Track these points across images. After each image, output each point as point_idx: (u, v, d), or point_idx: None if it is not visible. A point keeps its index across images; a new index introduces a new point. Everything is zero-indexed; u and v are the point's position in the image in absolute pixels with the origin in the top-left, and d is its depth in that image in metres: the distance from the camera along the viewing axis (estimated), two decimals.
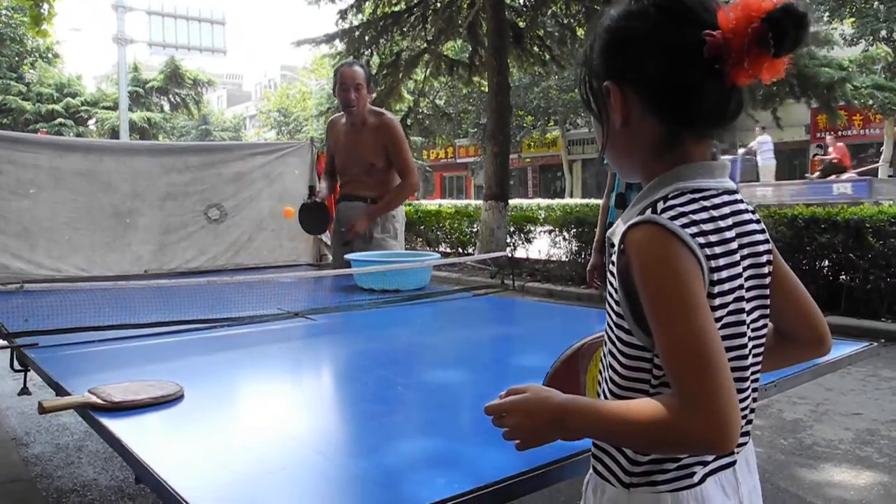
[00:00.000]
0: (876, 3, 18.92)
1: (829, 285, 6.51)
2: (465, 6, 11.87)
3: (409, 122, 12.76)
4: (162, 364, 2.15)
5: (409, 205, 12.63)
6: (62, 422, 4.01)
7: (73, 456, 3.53)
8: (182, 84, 32.68)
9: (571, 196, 30.42)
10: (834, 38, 10.57)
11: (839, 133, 23.32)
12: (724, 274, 0.94)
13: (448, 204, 16.56)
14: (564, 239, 9.05)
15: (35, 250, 3.97)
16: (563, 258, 9.09)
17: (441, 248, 11.79)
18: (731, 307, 0.96)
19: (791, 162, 27.49)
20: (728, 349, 0.94)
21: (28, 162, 4.00)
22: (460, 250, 11.38)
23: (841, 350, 2.11)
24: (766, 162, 15.44)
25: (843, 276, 6.48)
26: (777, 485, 3.08)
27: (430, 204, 16.62)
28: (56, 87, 30.94)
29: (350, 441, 1.53)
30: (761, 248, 1.04)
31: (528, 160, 35.57)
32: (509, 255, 7.47)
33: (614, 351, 1.01)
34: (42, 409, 1.53)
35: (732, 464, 1.03)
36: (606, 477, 1.04)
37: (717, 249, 0.94)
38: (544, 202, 19.26)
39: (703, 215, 0.95)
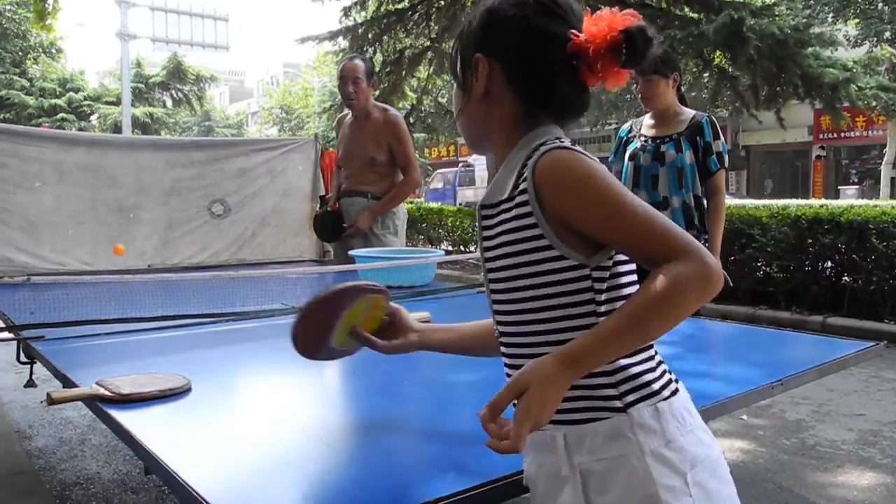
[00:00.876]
0: (880, 4, 18.88)
1: (832, 286, 6.50)
2: (469, 4, 11.86)
3: (412, 119, 12.76)
4: (168, 357, 2.15)
5: (411, 202, 12.63)
6: (65, 416, 4.02)
7: (77, 449, 3.54)
8: (184, 80, 32.62)
9: None
10: (838, 39, 10.52)
11: (842, 134, 23.30)
12: None
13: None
14: None
15: (39, 244, 3.98)
16: None
17: (443, 246, 11.79)
18: None
19: (793, 163, 27.45)
20: None
21: (32, 156, 4.00)
22: (462, 248, 11.38)
23: (845, 349, 2.11)
24: (482, 172, 20.51)
25: (846, 278, 6.47)
26: (780, 484, 3.09)
27: (432, 202, 16.60)
28: (59, 82, 30.89)
29: (358, 434, 1.53)
30: None
31: None
32: None
33: (544, 300, 1.04)
34: (51, 400, 1.54)
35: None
36: (593, 416, 1.04)
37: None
38: None
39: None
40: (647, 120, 3.51)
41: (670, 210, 3.31)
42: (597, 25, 1.06)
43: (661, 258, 0.98)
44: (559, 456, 1.05)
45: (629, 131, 3.57)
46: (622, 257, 1.06)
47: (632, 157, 3.44)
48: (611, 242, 1.03)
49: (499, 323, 1.14)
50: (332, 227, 4.25)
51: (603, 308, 1.04)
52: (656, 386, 1.06)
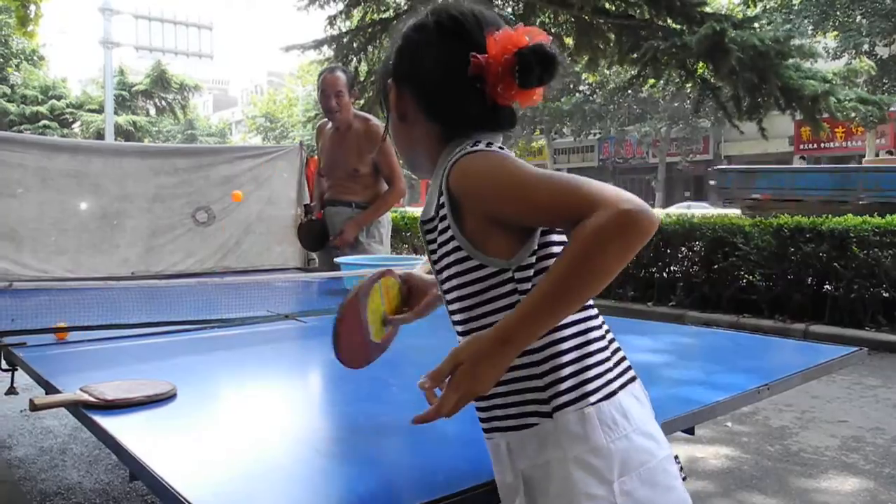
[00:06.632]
0: (858, 17, 19.17)
1: (814, 294, 6.56)
2: None
3: None
4: (153, 363, 2.13)
5: (395, 211, 12.61)
6: (46, 425, 3.97)
7: (58, 459, 3.49)
8: (168, 88, 32.49)
9: None
10: (818, 51, 10.65)
11: (822, 145, 23.54)
12: None
13: None
14: None
15: (21, 251, 3.93)
16: None
17: None
18: None
19: None
20: None
21: (15, 161, 3.96)
22: None
23: (829, 354, 2.13)
24: None
25: (828, 286, 6.53)
26: (765, 491, 3.10)
27: (416, 211, 16.61)
28: (41, 89, 30.70)
29: (347, 439, 1.52)
30: None
31: None
32: None
33: (475, 308, 1.06)
34: (34, 406, 1.51)
35: (635, 378, 1.11)
36: (526, 422, 1.04)
37: None
38: None
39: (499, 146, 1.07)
40: None
41: None
42: (496, 46, 1.02)
43: (578, 218, 0.92)
44: (503, 464, 1.08)
45: None
46: (547, 251, 1.04)
47: None
48: (534, 222, 1.02)
49: (452, 322, 1.15)
50: (316, 236, 4.22)
51: None
52: (589, 388, 1.02)
